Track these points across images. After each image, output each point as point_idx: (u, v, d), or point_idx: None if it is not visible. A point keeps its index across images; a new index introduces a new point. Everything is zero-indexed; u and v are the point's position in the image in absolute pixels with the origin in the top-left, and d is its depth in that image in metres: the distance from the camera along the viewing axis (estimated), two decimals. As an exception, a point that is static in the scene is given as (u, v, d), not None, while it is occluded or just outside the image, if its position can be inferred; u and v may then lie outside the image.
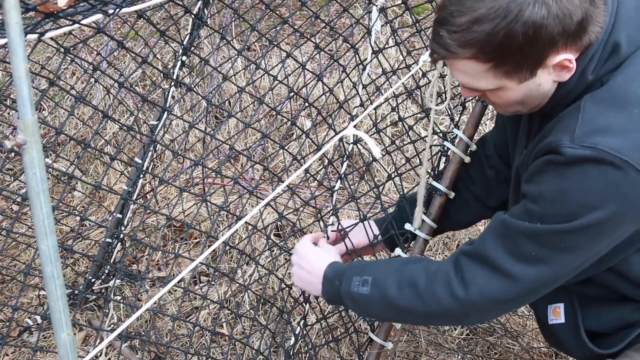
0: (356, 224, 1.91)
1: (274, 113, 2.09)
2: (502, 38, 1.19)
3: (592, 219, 1.23)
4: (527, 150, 1.42)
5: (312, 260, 1.64)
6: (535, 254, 1.31)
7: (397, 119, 1.99)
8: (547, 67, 1.25)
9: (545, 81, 1.28)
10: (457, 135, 1.78)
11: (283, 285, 2.26)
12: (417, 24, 1.87)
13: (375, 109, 2.07)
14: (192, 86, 1.69)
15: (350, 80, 2.11)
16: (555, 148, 1.25)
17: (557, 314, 1.54)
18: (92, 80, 2.04)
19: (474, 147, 1.79)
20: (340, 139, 1.84)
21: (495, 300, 1.36)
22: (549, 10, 1.17)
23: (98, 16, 1.30)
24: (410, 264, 1.51)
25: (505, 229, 1.34)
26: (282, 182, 1.37)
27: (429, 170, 1.85)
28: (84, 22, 1.28)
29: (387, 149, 2.08)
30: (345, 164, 2.21)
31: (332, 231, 1.97)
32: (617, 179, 1.20)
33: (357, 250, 1.89)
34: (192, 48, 2.43)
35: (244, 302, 2.57)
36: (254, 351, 2.27)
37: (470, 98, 1.83)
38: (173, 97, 2.51)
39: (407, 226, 1.79)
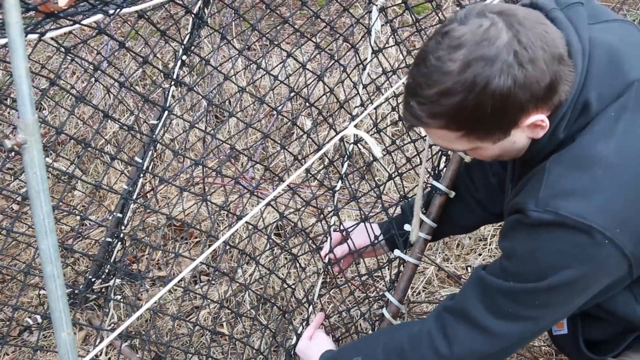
0: (357, 224, 1.91)
1: (275, 113, 2.10)
2: (470, 110, 1.18)
3: (562, 278, 1.26)
4: (511, 195, 1.45)
5: (309, 354, 1.81)
6: (512, 310, 1.34)
7: (397, 119, 1.98)
8: (521, 127, 1.25)
9: (519, 138, 1.29)
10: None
11: (284, 285, 2.26)
12: (417, 24, 1.87)
13: (375, 108, 2.07)
14: (193, 86, 1.69)
15: (351, 79, 2.11)
16: (522, 210, 1.27)
17: (560, 326, 1.58)
18: (93, 79, 2.04)
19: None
20: (341, 139, 1.84)
21: (478, 356, 1.41)
22: (515, 80, 1.15)
23: (99, 16, 1.30)
24: (395, 332, 1.57)
25: (483, 286, 1.38)
26: (283, 181, 1.37)
27: (429, 170, 1.85)
28: (84, 22, 1.28)
29: (388, 148, 2.08)
30: (346, 164, 2.21)
31: (334, 231, 1.97)
32: (583, 241, 1.21)
33: (359, 250, 1.89)
34: (193, 47, 2.43)
35: (244, 301, 2.57)
36: (254, 351, 2.27)
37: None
38: (173, 96, 2.51)
39: (407, 227, 1.79)
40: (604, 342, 1.54)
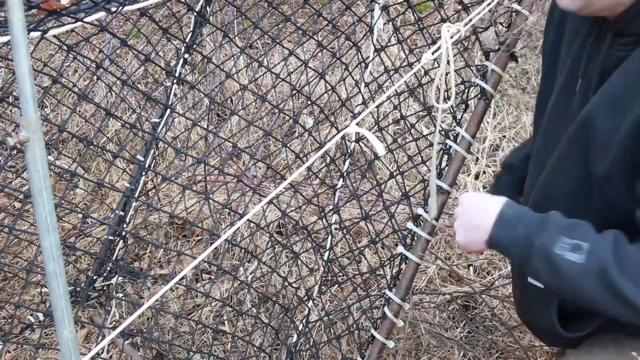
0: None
1: (277, 111, 2.10)
2: None
3: None
4: (605, 89, 1.20)
5: (480, 199, 1.34)
6: None
7: (399, 117, 1.98)
8: None
9: None
10: (459, 133, 1.78)
11: (285, 283, 2.26)
12: (419, 22, 1.87)
13: (377, 106, 2.07)
14: (195, 84, 1.69)
15: (353, 78, 2.10)
16: None
17: None
18: (95, 77, 2.04)
19: (476, 145, 1.78)
20: (343, 137, 1.84)
21: None
22: None
23: (101, 14, 1.30)
24: (626, 243, 1.20)
25: None
26: (285, 179, 1.37)
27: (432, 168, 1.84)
28: (86, 19, 1.28)
29: (389, 146, 2.08)
30: (347, 162, 2.21)
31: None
32: None
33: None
34: (195, 46, 2.43)
35: (246, 299, 2.57)
36: (256, 348, 2.27)
37: (473, 96, 1.83)
38: (175, 94, 2.51)
39: (420, 211, 1.72)
40: (575, 318, 1.41)
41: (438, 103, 1.40)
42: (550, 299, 1.40)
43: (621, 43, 1.18)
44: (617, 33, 1.18)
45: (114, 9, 1.30)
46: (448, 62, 1.40)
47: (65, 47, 1.46)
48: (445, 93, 1.81)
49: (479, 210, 1.31)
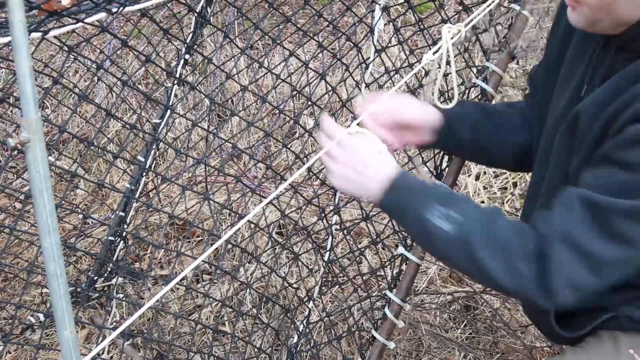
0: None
1: (277, 111, 2.10)
2: None
3: None
4: (598, 92, 1.25)
5: (369, 158, 1.32)
6: (629, 232, 1.14)
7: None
8: None
9: None
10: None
11: (286, 284, 2.26)
12: (420, 23, 1.87)
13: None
14: (195, 85, 1.69)
15: (353, 78, 2.10)
16: None
17: None
18: (95, 78, 2.04)
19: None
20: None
21: (584, 291, 1.20)
22: None
23: (102, 15, 1.31)
24: (499, 218, 1.26)
25: (596, 211, 1.16)
26: (285, 180, 1.37)
27: (432, 170, 1.85)
28: (87, 20, 1.28)
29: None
30: (347, 163, 2.21)
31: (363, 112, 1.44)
32: None
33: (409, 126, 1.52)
34: (195, 46, 2.43)
35: (246, 300, 2.57)
36: (256, 349, 2.27)
37: (473, 96, 1.83)
38: (176, 95, 2.51)
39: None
40: (573, 317, 1.42)
41: (440, 103, 1.40)
42: None
43: (623, 57, 1.23)
44: (620, 48, 1.23)
45: (114, 10, 1.30)
46: (449, 63, 1.40)
47: (66, 48, 1.46)
48: (446, 94, 1.82)
49: (368, 171, 1.32)
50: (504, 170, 3.06)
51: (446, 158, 1.85)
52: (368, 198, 1.35)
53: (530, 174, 1.59)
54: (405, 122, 1.50)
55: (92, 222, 2.94)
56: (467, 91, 1.86)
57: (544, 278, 1.18)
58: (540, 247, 1.20)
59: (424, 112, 1.52)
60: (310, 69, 1.91)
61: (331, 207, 2.32)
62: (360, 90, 2.13)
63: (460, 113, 1.56)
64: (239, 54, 1.80)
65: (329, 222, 2.28)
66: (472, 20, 1.52)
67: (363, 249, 2.31)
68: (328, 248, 2.34)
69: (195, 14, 2.20)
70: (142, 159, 2.47)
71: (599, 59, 1.30)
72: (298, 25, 1.81)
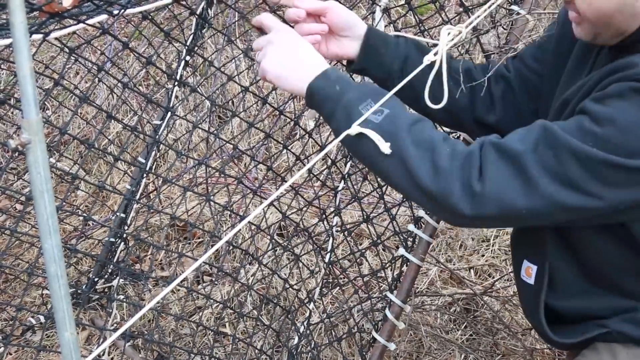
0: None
1: (278, 113, 2.10)
2: None
3: None
4: (588, 78, 1.29)
5: (304, 47, 1.32)
6: (576, 178, 1.14)
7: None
8: None
9: None
10: (460, 135, 1.78)
11: (286, 286, 2.26)
12: (421, 24, 1.87)
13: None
14: (196, 86, 1.70)
15: (354, 80, 2.10)
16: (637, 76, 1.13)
17: (529, 274, 1.43)
18: (96, 80, 2.05)
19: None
20: (344, 139, 1.83)
21: (507, 205, 1.16)
22: None
23: (103, 16, 1.31)
24: (425, 122, 1.23)
25: (553, 141, 1.15)
26: (286, 181, 1.37)
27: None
28: (88, 22, 1.28)
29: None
30: (348, 164, 2.21)
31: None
32: None
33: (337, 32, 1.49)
34: (196, 48, 2.43)
35: (247, 301, 2.57)
36: (257, 351, 2.27)
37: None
38: (177, 97, 2.51)
39: (422, 213, 1.76)
40: (566, 322, 1.42)
41: (431, 103, 1.39)
42: (538, 299, 1.41)
43: (619, 56, 1.27)
44: (621, 50, 1.28)
45: (115, 12, 1.31)
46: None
47: (67, 50, 1.46)
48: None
49: (302, 56, 1.31)
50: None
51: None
52: (297, 84, 1.29)
53: None
54: (333, 24, 1.47)
55: (92, 224, 2.94)
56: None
57: (472, 182, 1.15)
58: (475, 152, 1.17)
59: (353, 18, 1.49)
60: (311, 70, 1.90)
61: (332, 209, 2.32)
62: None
63: (391, 41, 1.52)
64: (240, 56, 1.80)
65: (330, 223, 2.28)
66: (472, 21, 1.52)
67: (364, 251, 2.31)
68: (329, 249, 2.34)
69: (196, 16, 2.21)
70: (143, 161, 2.47)
71: (599, 59, 1.34)
72: (299, 27, 1.80)
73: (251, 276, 2.69)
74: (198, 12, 2.27)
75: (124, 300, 2.60)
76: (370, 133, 1.18)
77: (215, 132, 2.61)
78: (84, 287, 2.62)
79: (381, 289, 2.50)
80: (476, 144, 1.20)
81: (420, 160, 1.17)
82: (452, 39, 1.38)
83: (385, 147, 1.17)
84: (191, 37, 2.40)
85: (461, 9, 1.82)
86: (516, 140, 1.18)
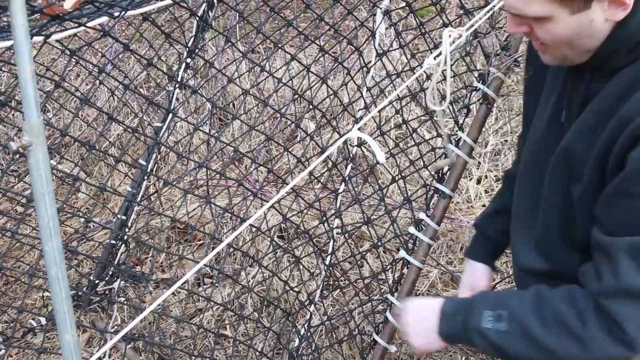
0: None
1: (279, 115, 2.10)
2: None
3: None
4: (583, 120, 1.30)
5: (423, 305, 1.49)
6: None
7: (401, 122, 1.98)
8: (601, 1, 1.17)
9: (598, 18, 1.20)
10: (461, 137, 1.78)
11: (287, 288, 2.26)
12: (421, 27, 1.87)
13: (379, 111, 2.07)
14: (197, 88, 1.70)
15: (355, 82, 2.11)
16: None
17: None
18: (97, 82, 2.05)
19: (478, 150, 1.78)
20: (345, 142, 1.84)
21: None
22: None
23: (103, 19, 1.31)
24: (544, 292, 1.32)
25: (633, 251, 1.18)
26: (287, 184, 1.37)
27: (433, 173, 1.85)
28: (89, 24, 1.29)
29: (391, 151, 2.07)
30: (349, 167, 2.21)
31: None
32: None
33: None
34: (197, 50, 2.43)
35: (247, 304, 2.57)
36: (257, 353, 2.27)
37: (475, 100, 1.83)
38: (177, 99, 2.51)
39: (422, 215, 1.77)
40: None
41: (434, 105, 1.40)
42: None
43: (599, 76, 1.29)
44: (595, 69, 1.29)
45: (116, 14, 1.31)
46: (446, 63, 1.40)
47: (68, 52, 1.47)
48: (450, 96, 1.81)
49: (425, 314, 1.45)
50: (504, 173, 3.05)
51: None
52: (436, 340, 1.43)
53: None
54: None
55: (93, 226, 2.94)
56: (468, 94, 1.86)
57: (615, 332, 1.20)
58: (599, 306, 1.22)
59: (488, 276, 1.73)
60: (312, 72, 1.91)
61: (332, 211, 2.32)
62: (361, 94, 2.13)
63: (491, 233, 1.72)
64: (241, 58, 1.80)
65: (331, 225, 2.28)
66: (473, 24, 1.53)
67: (364, 253, 2.31)
68: (329, 252, 2.34)
69: (197, 18, 2.21)
70: (144, 163, 2.47)
71: (574, 83, 1.35)
72: (299, 29, 1.81)
73: (252, 278, 2.68)
74: (199, 14, 2.28)
75: (125, 302, 2.60)
76: (505, 343, 1.30)
77: (216, 134, 2.62)
78: (85, 289, 2.62)
79: (382, 291, 2.50)
80: (594, 292, 1.23)
81: (559, 340, 1.25)
82: (454, 42, 1.39)
83: (524, 344, 1.28)
84: (192, 39, 2.40)
85: (462, 12, 1.82)
86: (617, 276, 1.20)
